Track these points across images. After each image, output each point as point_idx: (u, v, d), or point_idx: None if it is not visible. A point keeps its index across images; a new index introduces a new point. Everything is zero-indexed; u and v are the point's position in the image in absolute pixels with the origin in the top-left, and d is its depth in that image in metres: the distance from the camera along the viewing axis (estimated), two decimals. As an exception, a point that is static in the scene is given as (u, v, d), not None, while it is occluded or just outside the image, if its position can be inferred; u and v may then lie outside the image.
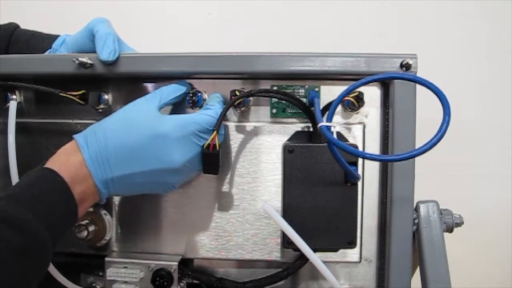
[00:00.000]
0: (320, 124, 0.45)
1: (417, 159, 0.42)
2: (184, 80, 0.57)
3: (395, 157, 0.42)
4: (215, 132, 0.50)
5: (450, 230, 0.56)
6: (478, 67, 0.92)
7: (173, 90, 0.54)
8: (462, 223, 0.56)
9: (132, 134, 0.48)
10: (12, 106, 0.57)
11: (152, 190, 0.53)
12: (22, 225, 0.40)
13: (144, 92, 0.58)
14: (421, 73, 0.47)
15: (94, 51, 0.55)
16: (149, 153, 0.49)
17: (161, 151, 0.49)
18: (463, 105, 0.89)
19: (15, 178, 0.56)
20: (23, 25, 0.67)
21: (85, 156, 0.47)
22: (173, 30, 0.97)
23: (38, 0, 0.98)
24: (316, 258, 0.51)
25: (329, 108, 0.55)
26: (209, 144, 0.51)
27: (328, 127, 0.45)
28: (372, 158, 0.50)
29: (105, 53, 0.53)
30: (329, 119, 0.45)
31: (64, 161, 0.47)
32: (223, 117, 0.51)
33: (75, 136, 0.50)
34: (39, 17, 0.97)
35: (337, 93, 0.49)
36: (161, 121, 0.50)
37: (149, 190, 0.53)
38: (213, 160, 0.52)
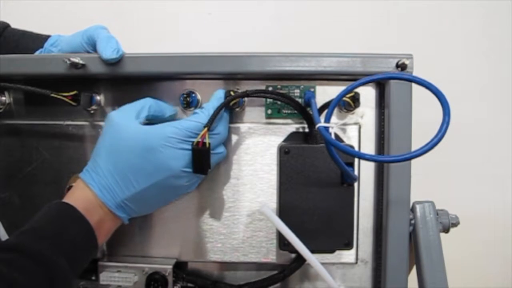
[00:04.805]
0: (318, 125, 0.45)
1: (417, 160, 0.42)
2: (171, 106, 0.56)
3: (396, 158, 0.42)
4: (205, 129, 0.49)
5: (446, 230, 0.56)
6: (478, 68, 0.93)
7: (158, 108, 0.54)
8: (458, 223, 0.56)
9: (124, 157, 0.50)
10: None
11: (168, 198, 0.55)
12: (44, 260, 0.43)
13: (136, 93, 0.57)
14: (421, 74, 0.46)
15: None
16: (146, 167, 0.50)
17: (155, 163, 0.49)
18: (463, 105, 0.89)
19: None
20: (13, 25, 0.66)
21: (94, 189, 0.50)
22: (173, 30, 0.97)
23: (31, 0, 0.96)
24: (315, 260, 0.51)
25: (325, 109, 0.55)
26: (198, 142, 0.50)
27: (326, 128, 0.44)
28: (372, 159, 0.50)
29: (109, 51, 0.53)
30: (327, 120, 0.45)
31: (78, 196, 0.50)
32: (215, 115, 0.50)
33: (80, 175, 0.52)
34: (32, 17, 0.95)
35: (332, 93, 0.49)
36: (144, 135, 0.50)
37: (165, 200, 0.54)
38: (202, 158, 0.50)
